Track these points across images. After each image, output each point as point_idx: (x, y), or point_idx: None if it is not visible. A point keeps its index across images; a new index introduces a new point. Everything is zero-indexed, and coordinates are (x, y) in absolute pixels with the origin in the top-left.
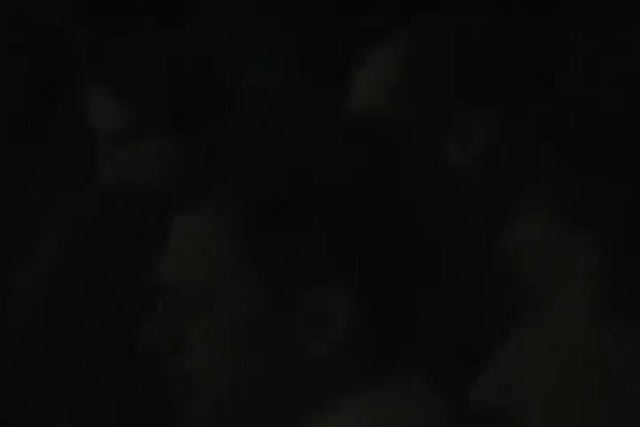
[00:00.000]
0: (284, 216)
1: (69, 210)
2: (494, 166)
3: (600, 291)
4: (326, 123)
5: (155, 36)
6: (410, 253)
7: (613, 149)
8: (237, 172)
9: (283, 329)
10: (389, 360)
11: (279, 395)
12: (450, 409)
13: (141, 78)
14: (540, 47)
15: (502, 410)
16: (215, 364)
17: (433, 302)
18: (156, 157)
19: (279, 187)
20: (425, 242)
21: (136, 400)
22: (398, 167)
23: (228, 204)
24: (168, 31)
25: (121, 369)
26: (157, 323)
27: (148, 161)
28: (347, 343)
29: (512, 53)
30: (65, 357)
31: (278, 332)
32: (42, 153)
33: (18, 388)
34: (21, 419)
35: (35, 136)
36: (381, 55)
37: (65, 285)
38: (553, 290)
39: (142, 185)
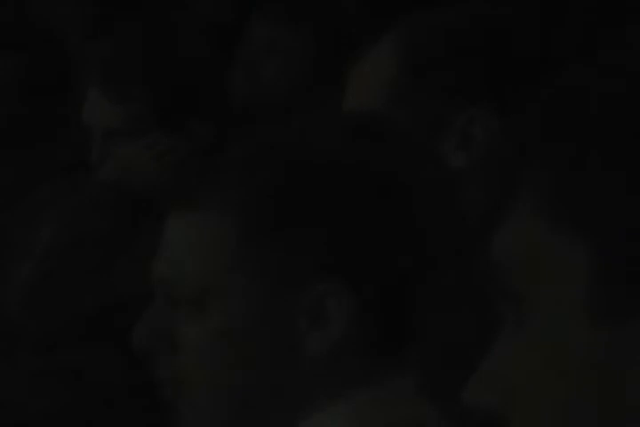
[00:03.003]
0: (284, 214)
1: (69, 206)
2: (492, 165)
3: (593, 291)
4: (327, 120)
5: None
6: (409, 251)
7: (611, 151)
8: (238, 168)
9: (278, 329)
10: (386, 361)
11: (276, 394)
12: (440, 413)
13: (133, 76)
14: (540, 45)
15: (495, 412)
16: (211, 363)
17: (432, 301)
18: (154, 153)
19: (279, 183)
20: (424, 241)
21: (129, 400)
22: (399, 166)
23: (227, 201)
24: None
25: (115, 368)
26: (152, 322)
27: (146, 158)
28: (344, 344)
29: (511, 51)
30: (59, 353)
31: (274, 332)
32: (40, 151)
33: (9, 386)
34: (12, 416)
35: (31, 135)
36: (378, 53)
37: (61, 280)
38: (545, 292)
39: (140, 182)
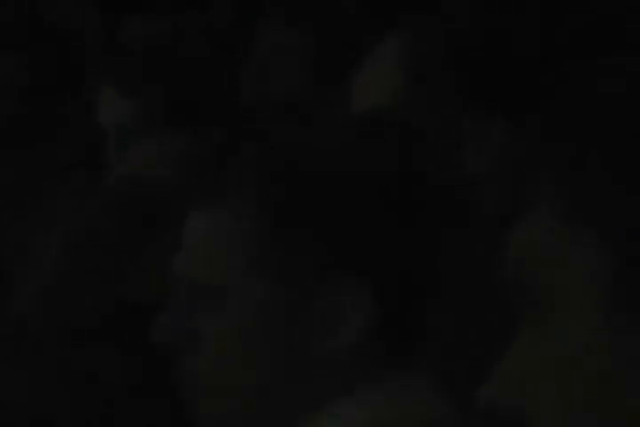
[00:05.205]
0: (299, 216)
1: (81, 207)
2: (501, 165)
3: (605, 291)
4: (338, 123)
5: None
6: (422, 254)
7: (617, 152)
8: (252, 172)
9: (295, 328)
10: (401, 360)
11: (290, 394)
12: (459, 410)
13: (147, 76)
14: (540, 45)
15: (515, 410)
16: (227, 363)
17: (445, 301)
18: (169, 155)
19: (294, 187)
20: (436, 243)
21: (149, 400)
22: (401, 166)
23: (242, 203)
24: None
25: (134, 369)
26: (170, 322)
27: (162, 159)
28: (359, 343)
29: (513, 53)
30: (76, 356)
31: (291, 331)
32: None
33: (24, 389)
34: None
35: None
36: (380, 57)
37: (77, 283)
38: (559, 291)
39: (156, 183)
